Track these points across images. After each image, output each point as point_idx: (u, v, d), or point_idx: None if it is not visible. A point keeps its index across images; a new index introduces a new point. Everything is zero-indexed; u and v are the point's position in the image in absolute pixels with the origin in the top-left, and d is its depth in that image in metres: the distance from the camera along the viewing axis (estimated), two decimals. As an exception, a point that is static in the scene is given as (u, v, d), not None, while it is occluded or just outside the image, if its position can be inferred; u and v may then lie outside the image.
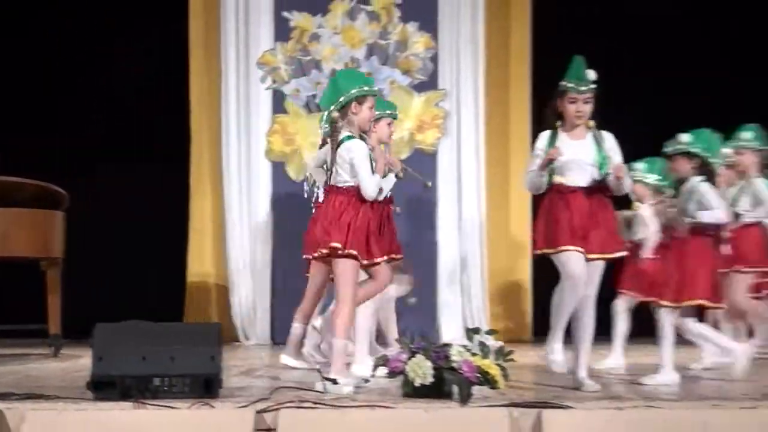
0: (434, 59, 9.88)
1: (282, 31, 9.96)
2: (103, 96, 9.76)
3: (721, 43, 9.88)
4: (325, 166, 5.74)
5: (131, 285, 9.54)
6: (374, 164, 5.54)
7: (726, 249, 6.32)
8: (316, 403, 4.70)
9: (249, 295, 9.78)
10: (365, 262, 5.53)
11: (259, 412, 4.56)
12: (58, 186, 7.91)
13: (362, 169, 5.45)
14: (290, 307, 9.68)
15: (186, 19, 9.98)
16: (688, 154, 6.12)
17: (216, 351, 4.97)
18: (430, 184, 5.83)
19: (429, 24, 9.87)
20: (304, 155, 9.84)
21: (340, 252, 5.37)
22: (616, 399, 4.92)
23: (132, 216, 9.77)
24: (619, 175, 5.29)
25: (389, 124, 6.55)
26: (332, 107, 5.57)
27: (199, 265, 9.92)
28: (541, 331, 9.23)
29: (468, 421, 4.50)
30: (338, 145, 5.53)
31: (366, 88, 5.61)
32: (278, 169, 9.91)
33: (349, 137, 5.51)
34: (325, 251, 5.45)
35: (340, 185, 5.53)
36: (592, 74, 5.43)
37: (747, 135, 7.50)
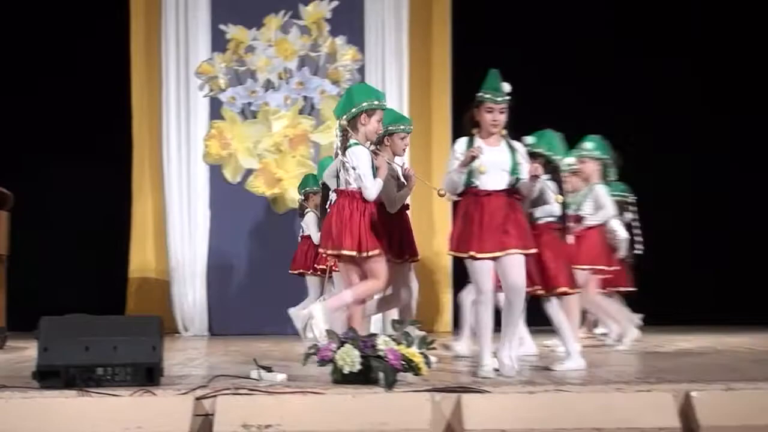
0: (361, 70, 9.90)
1: (219, 43, 9.93)
2: (49, 102, 9.59)
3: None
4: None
5: (76, 280, 9.45)
6: (377, 170, 5.64)
7: (570, 240, 6.43)
8: (251, 389, 4.66)
9: (187, 290, 9.72)
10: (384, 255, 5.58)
11: (198, 398, 4.51)
12: (2, 187, 7.76)
13: (363, 173, 5.62)
14: (226, 301, 9.71)
15: (128, 30, 9.90)
16: (533, 155, 6.20)
17: (157, 341, 4.89)
18: (443, 192, 5.71)
19: (356, 37, 9.90)
20: (240, 159, 9.82)
21: (358, 256, 5.54)
22: (529, 384, 4.92)
23: (77, 215, 9.71)
24: (536, 174, 5.29)
25: (402, 139, 6.52)
26: (343, 116, 5.73)
27: (140, 262, 9.84)
28: (459, 322, 9.33)
29: (393, 405, 4.49)
30: (344, 152, 5.70)
31: (376, 102, 5.79)
32: (215, 171, 9.88)
33: (355, 143, 5.64)
34: (334, 253, 5.63)
35: (344, 188, 5.71)
36: (506, 87, 5.42)
37: (589, 145, 7.66)
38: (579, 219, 7.25)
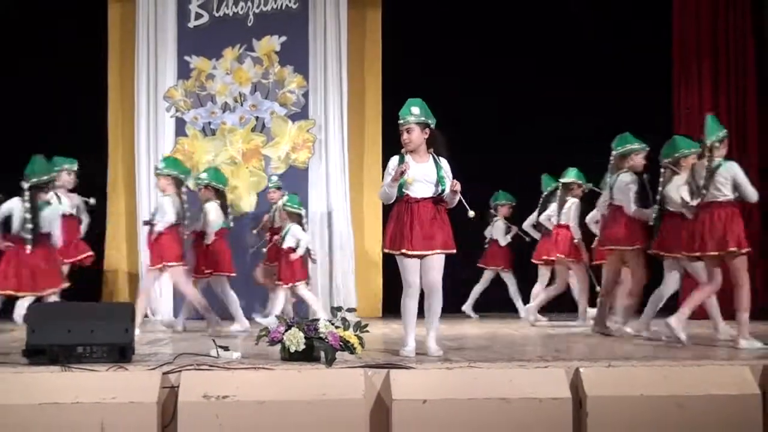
0: (305, 95, 9.88)
1: (184, 71, 9.84)
2: (42, 119, 9.25)
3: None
4: None
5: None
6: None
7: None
8: (211, 366, 4.65)
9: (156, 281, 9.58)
10: None
11: (165, 373, 4.50)
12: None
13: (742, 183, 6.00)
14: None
15: (106, 58, 9.79)
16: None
17: (129, 325, 4.88)
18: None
19: (302, 67, 9.87)
20: (200, 169, 9.72)
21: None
22: (446, 361, 4.97)
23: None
24: (455, 189, 5.33)
25: (643, 156, 7.02)
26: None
27: (114, 255, 9.71)
28: (388, 309, 9.36)
29: (332, 379, 4.52)
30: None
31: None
32: (180, 180, 9.77)
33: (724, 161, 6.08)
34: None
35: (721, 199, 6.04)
36: (415, 110, 5.45)
37: (161, 164, 7.95)
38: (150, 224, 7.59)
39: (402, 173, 5.27)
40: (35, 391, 4.30)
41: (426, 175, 5.39)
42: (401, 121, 5.45)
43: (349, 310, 5.27)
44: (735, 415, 4.51)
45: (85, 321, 4.78)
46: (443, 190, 5.38)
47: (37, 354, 4.66)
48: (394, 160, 5.45)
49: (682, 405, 4.50)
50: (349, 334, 4.91)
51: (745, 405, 4.53)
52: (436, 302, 5.43)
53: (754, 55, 9.75)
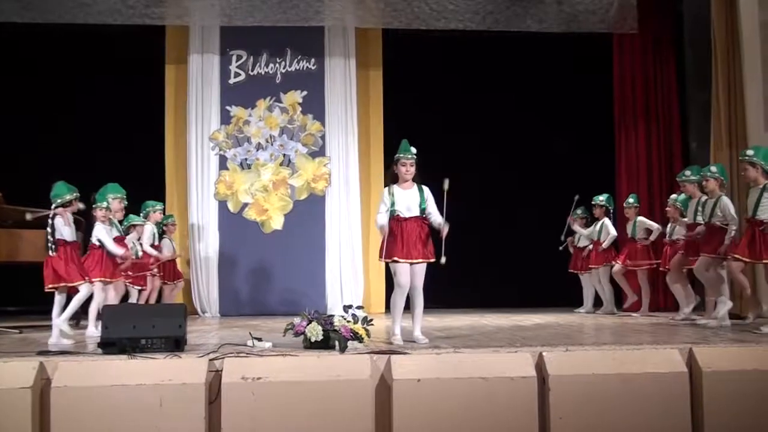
0: (323, 137, 9.89)
1: (225, 118, 9.86)
2: (116, 160, 9.05)
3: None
4: None
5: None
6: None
7: None
8: (248, 353, 4.64)
9: (204, 285, 9.59)
10: None
11: (211, 360, 4.48)
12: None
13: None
14: (230, 292, 9.58)
15: (163, 107, 9.85)
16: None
17: (182, 321, 4.86)
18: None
19: (320, 115, 9.89)
20: (239, 196, 9.76)
21: None
22: (436, 347, 4.95)
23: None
24: (445, 231, 5.34)
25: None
26: None
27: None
28: (389, 306, 9.28)
29: (345, 363, 4.49)
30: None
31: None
32: (223, 205, 9.78)
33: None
34: None
35: None
36: (413, 149, 5.50)
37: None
38: None
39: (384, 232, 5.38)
40: (108, 375, 4.29)
41: (412, 199, 5.43)
42: (408, 156, 5.44)
43: (358, 307, 5.25)
44: (668, 388, 4.49)
45: (148, 318, 4.77)
46: (425, 210, 5.44)
47: (109, 346, 4.66)
48: (386, 192, 5.49)
49: (626, 381, 4.48)
50: (358, 327, 4.90)
51: (675, 381, 4.51)
52: (419, 301, 5.45)
53: (678, 103, 9.78)
